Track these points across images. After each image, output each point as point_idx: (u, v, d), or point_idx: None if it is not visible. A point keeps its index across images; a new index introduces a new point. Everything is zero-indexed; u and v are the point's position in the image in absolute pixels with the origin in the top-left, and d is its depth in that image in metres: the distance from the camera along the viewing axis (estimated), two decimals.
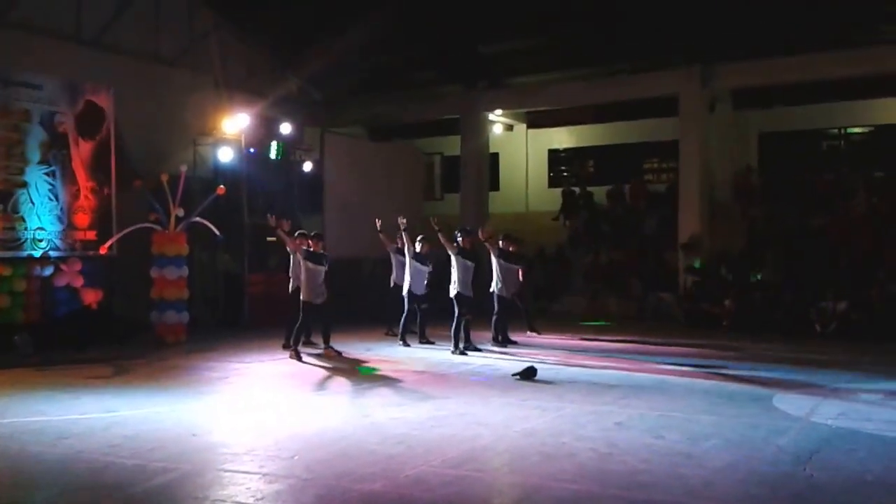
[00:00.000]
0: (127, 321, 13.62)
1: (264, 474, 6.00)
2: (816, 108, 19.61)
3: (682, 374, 10.57)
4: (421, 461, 6.26)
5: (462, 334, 12.45)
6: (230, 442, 7.11)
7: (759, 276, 16.42)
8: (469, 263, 12.63)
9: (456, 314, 12.47)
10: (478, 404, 8.51)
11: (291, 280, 12.77)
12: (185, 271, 13.72)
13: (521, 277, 13.98)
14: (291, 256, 12.69)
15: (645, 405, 8.44)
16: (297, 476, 5.98)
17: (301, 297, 11.94)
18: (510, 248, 13.58)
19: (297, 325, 12.00)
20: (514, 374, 10.15)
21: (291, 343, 12.00)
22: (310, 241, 12.03)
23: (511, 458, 6.56)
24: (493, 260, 13.35)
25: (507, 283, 13.34)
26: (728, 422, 7.65)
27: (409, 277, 13.32)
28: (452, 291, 12.60)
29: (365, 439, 6.96)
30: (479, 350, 12.49)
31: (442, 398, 8.84)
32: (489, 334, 13.39)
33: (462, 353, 12.29)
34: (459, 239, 12.71)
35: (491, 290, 13.36)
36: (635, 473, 5.97)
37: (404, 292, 13.40)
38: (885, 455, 6.55)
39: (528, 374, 10.06)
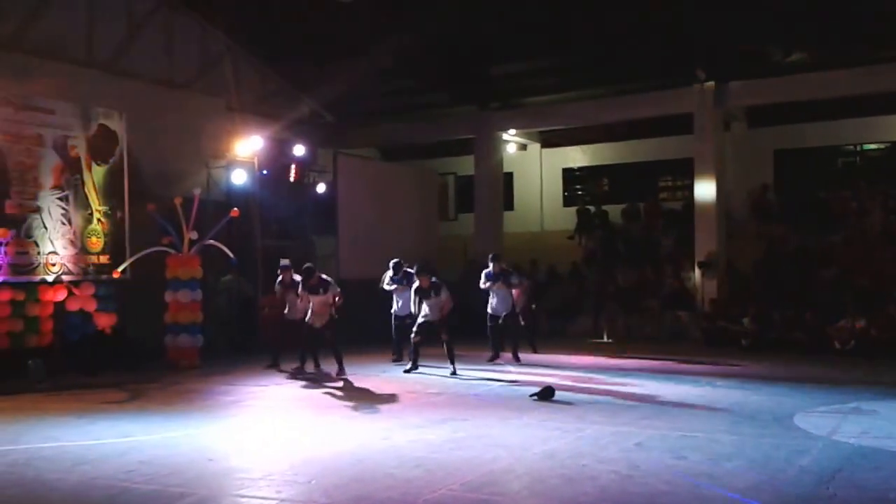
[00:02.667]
0: (141, 345, 13.57)
1: (282, 500, 5.91)
2: (832, 124, 19.51)
3: (703, 393, 10.45)
4: (440, 485, 6.15)
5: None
6: (246, 466, 7.03)
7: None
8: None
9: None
10: (496, 426, 8.41)
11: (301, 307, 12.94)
12: (198, 294, 13.69)
13: (515, 297, 13.99)
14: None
15: (665, 425, 8.33)
16: (315, 501, 5.89)
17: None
18: (501, 268, 13.73)
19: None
20: (531, 395, 10.04)
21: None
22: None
23: (531, 480, 6.43)
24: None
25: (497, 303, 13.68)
26: (750, 441, 7.54)
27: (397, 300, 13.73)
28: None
29: (383, 462, 6.86)
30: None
31: (460, 420, 8.74)
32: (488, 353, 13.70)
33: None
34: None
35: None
36: (658, 496, 5.86)
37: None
38: None
39: (546, 395, 9.94)
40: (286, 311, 13.36)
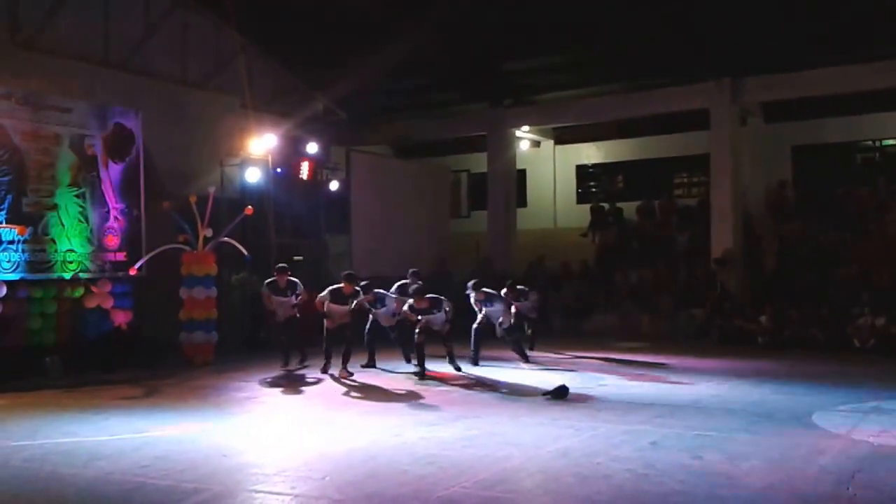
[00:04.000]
0: (156, 342, 13.65)
1: (296, 495, 5.92)
2: (850, 119, 19.30)
3: (719, 392, 10.37)
4: (453, 482, 6.14)
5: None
6: (261, 462, 7.05)
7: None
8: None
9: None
10: (509, 424, 8.38)
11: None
12: (213, 291, 13.77)
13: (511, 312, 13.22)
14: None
15: (681, 424, 8.27)
16: (329, 497, 5.90)
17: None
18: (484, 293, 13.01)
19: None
20: (544, 394, 9.99)
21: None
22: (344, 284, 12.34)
23: (544, 479, 6.41)
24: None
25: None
26: (767, 441, 7.47)
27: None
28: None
29: (396, 459, 6.86)
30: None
31: (472, 417, 8.73)
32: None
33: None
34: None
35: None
36: (673, 495, 5.81)
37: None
38: None
39: (560, 394, 9.89)
40: (277, 316, 13.15)
